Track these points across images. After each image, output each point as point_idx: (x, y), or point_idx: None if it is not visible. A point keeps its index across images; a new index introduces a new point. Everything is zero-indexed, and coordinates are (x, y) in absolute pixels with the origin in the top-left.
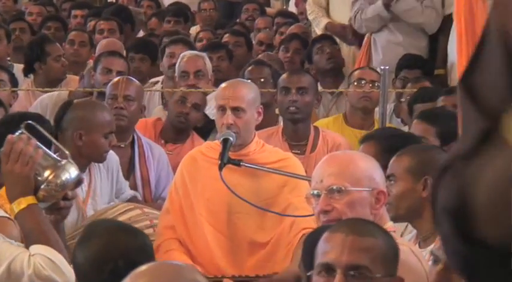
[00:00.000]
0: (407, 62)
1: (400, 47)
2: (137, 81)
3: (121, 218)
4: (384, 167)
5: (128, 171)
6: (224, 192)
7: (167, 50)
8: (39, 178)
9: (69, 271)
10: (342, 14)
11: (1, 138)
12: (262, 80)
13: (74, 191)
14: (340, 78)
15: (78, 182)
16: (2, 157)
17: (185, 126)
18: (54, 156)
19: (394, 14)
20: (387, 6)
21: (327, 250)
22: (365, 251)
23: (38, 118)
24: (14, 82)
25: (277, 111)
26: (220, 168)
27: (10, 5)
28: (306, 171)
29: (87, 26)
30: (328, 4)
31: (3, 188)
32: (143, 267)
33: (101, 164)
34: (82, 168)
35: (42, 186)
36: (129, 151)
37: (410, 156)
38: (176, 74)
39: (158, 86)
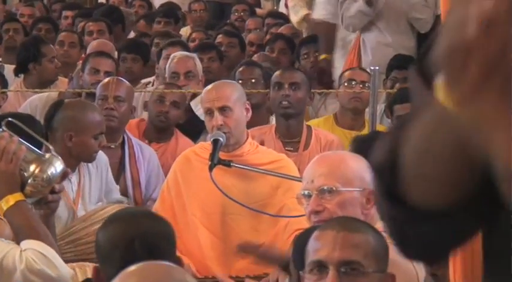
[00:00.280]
0: (397, 63)
1: (389, 47)
2: (127, 82)
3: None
4: None
5: (118, 172)
6: (218, 193)
7: (164, 53)
8: (25, 174)
9: (61, 264)
10: (324, 11)
11: None
12: (253, 80)
13: (61, 184)
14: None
15: (64, 174)
16: None
17: (166, 124)
18: (38, 151)
19: (379, 10)
20: (369, 3)
21: (318, 248)
22: (357, 246)
23: (29, 119)
24: (4, 83)
25: (268, 111)
26: (211, 169)
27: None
28: (298, 169)
29: (77, 27)
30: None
31: None
32: (132, 267)
33: (90, 164)
34: (72, 168)
35: (29, 182)
36: (119, 152)
37: None
38: (166, 75)
39: (150, 87)
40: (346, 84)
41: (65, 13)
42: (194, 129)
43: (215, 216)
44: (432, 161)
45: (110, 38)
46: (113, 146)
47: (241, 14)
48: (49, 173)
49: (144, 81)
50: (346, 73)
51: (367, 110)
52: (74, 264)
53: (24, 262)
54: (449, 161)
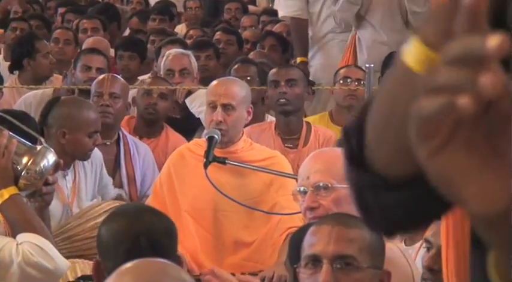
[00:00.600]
0: (392, 60)
1: (384, 46)
2: (122, 79)
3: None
4: None
5: (114, 169)
6: (210, 189)
7: (164, 51)
8: (17, 167)
9: (58, 256)
10: (293, 7)
11: None
12: (248, 78)
13: (55, 175)
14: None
15: (56, 166)
16: None
17: (155, 117)
18: (29, 143)
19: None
20: None
21: (313, 242)
22: (351, 241)
23: (23, 116)
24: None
25: (263, 108)
26: (205, 166)
27: None
28: (298, 166)
29: (72, 24)
30: None
31: None
32: (128, 264)
33: (84, 163)
34: (66, 165)
35: (22, 175)
36: (114, 149)
37: None
38: (162, 72)
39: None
40: (341, 82)
41: (60, 10)
42: (189, 126)
43: (207, 212)
44: (394, 124)
45: (105, 35)
46: (108, 143)
47: (234, 12)
48: (42, 165)
49: (141, 78)
50: (342, 71)
51: None
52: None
53: (20, 255)
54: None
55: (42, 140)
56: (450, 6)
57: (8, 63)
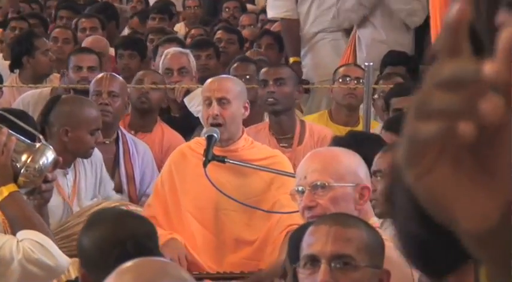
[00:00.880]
0: (391, 59)
1: (383, 44)
2: (121, 78)
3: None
4: None
5: (113, 168)
6: (211, 188)
7: (161, 50)
8: (17, 164)
9: (59, 253)
10: (282, 8)
11: None
12: (247, 76)
13: (54, 173)
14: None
15: (55, 163)
16: None
17: (148, 106)
18: (28, 141)
19: (374, 5)
20: None
21: (311, 242)
22: (349, 240)
23: (22, 114)
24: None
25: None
26: (205, 165)
27: None
28: (293, 165)
29: (70, 23)
30: None
31: None
32: (128, 264)
33: (85, 161)
34: (68, 164)
35: (22, 172)
36: (113, 147)
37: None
38: (160, 71)
39: None
40: (340, 80)
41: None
42: (188, 125)
43: (208, 211)
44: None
45: (103, 34)
46: (107, 142)
47: (232, 11)
48: (41, 162)
49: None
50: (341, 69)
51: (361, 106)
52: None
53: (21, 252)
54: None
55: (41, 137)
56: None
57: (7, 62)
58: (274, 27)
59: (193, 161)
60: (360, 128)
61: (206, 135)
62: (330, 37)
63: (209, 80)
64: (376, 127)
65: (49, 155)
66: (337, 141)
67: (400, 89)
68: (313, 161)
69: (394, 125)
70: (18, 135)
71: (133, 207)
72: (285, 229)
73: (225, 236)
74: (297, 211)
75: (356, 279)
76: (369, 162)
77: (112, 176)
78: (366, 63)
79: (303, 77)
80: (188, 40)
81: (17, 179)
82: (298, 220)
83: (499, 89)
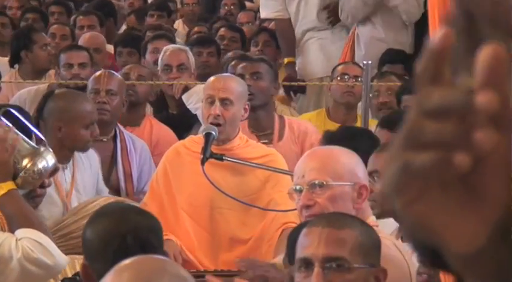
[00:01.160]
0: (389, 57)
1: (382, 43)
2: (119, 75)
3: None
4: None
5: (110, 165)
6: (207, 187)
7: (150, 46)
8: (17, 166)
9: (57, 252)
10: (273, 8)
11: None
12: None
13: (50, 179)
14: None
15: (54, 170)
16: None
17: (135, 99)
18: (32, 143)
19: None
20: None
21: (304, 245)
22: (341, 242)
23: (18, 110)
24: None
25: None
26: (203, 162)
27: None
28: None
29: (69, 20)
30: None
31: None
32: (127, 261)
33: (83, 159)
34: (65, 159)
35: (21, 173)
36: (111, 145)
37: None
38: (159, 68)
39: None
40: (339, 78)
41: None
42: (186, 122)
43: (204, 209)
44: None
45: (101, 31)
46: (104, 139)
47: (230, 8)
48: (41, 166)
49: None
50: (339, 67)
51: (359, 104)
52: None
53: (20, 251)
54: None
55: (45, 140)
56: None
57: (5, 58)
58: (272, 25)
59: (188, 159)
60: (358, 125)
61: (204, 133)
62: (318, 36)
63: (213, 78)
64: (374, 125)
65: (50, 160)
66: (329, 137)
67: (411, 86)
68: (311, 159)
69: (389, 122)
70: (23, 136)
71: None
72: (280, 227)
73: (220, 235)
74: (293, 209)
75: (350, 280)
76: (361, 157)
77: (109, 174)
78: (365, 62)
79: (298, 77)
80: (192, 37)
81: (16, 178)
82: (293, 218)
83: (491, 117)
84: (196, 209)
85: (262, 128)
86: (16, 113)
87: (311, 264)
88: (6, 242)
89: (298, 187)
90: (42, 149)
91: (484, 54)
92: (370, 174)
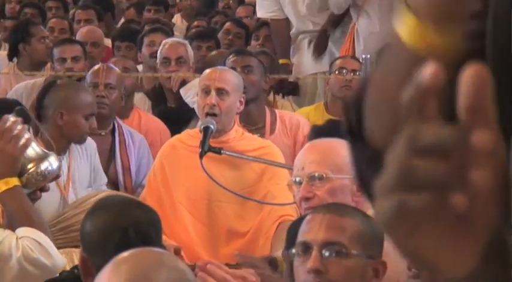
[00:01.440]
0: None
1: (379, 36)
2: (117, 69)
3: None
4: None
5: (109, 159)
6: (204, 180)
7: (146, 39)
8: (23, 166)
9: (56, 253)
10: (267, 8)
11: None
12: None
13: (49, 185)
14: None
15: (57, 175)
16: None
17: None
18: (41, 147)
19: None
20: None
21: (305, 230)
22: (341, 228)
23: (15, 104)
24: None
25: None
26: (201, 156)
27: None
28: None
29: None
30: None
31: None
32: (125, 254)
33: (79, 149)
34: (62, 150)
35: (28, 172)
36: (109, 139)
37: None
38: (158, 61)
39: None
40: (337, 72)
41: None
42: (184, 115)
43: (201, 203)
44: (388, 96)
45: (100, 26)
46: (103, 133)
47: (229, 1)
48: (47, 169)
49: (138, 67)
50: (337, 62)
51: None
52: (60, 250)
53: (20, 250)
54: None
55: (54, 146)
56: None
57: (4, 52)
58: None
59: (184, 153)
60: None
61: (203, 127)
62: (309, 37)
63: (209, 70)
64: None
65: (55, 165)
66: (316, 130)
67: None
68: (311, 152)
69: None
70: (35, 141)
71: None
72: (277, 220)
73: (219, 228)
74: (292, 203)
75: (348, 267)
76: None
77: (108, 167)
78: (363, 56)
79: (293, 75)
80: (191, 31)
81: (21, 177)
82: (289, 211)
83: (487, 156)
84: (194, 203)
85: (253, 121)
86: (29, 114)
87: (309, 249)
88: (7, 239)
89: (297, 179)
90: (49, 153)
91: (468, 74)
92: None
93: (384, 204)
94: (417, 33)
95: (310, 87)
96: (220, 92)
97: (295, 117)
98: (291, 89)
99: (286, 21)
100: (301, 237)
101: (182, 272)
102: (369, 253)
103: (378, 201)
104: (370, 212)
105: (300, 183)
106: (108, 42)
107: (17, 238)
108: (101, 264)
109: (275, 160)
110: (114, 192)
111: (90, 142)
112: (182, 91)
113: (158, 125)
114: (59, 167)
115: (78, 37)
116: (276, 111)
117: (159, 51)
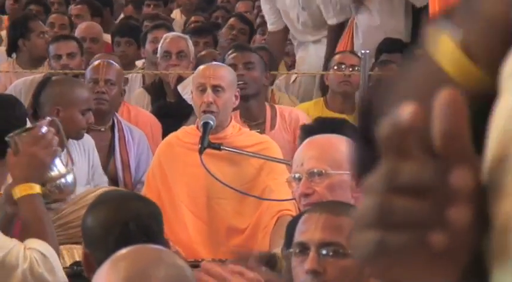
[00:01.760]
0: (386, 46)
1: (379, 31)
2: (117, 65)
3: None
4: None
5: (108, 155)
6: (203, 177)
7: (150, 36)
8: (48, 174)
9: (59, 269)
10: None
11: None
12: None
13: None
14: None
15: (71, 192)
16: (27, 138)
17: None
18: (63, 162)
19: None
20: None
21: (302, 230)
22: (339, 228)
23: (14, 101)
24: None
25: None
26: (201, 152)
27: None
28: None
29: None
30: None
31: None
32: (123, 251)
33: (77, 145)
34: (61, 146)
35: (49, 183)
36: (109, 135)
37: None
38: (158, 55)
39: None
40: (335, 67)
41: None
42: (184, 111)
43: (200, 200)
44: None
45: (94, 21)
46: (102, 129)
47: None
48: (65, 184)
49: (138, 63)
50: (336, 57)
51: (357, 93)
52: (61, 246)
53: (28, 262)
54: None
55: (73, 160)
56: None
57: (3, 48)
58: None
59: (181, 150)
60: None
61: (202, 122)
62: (313, 38)
63: (202, 67)
64: None
65: (72, 181)
66: (306, 129)
67: None
68: (311, 148)
69: None
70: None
71: None
72: (275, 215)
73: (218, 225)
74: (291, 199)
75: (345, 266)
76: None
77: (107, 164)
78: (362, 51)
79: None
80: (189, 27)
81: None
82: (288, 206)
83: (466, 195)
84: (193, 200)
85: (254, 117)
86: (59, 126)
87: (307, 249)
88: (15, 249)
89: (297, 175)
90: (69, 169)
91: (441, 97)
92: None
93: (361, 239)
94: (457, 62)
95: (309, 83)
96: (216, 89)
97: (294, 112)
98: None
99: (283, 32)
100: (298, 237)
101: (180, 269)
102: None
103: (355, 235)
104: None
105: (300, 179)
106: (107, 37)
107: (24, 248)
108: (103, 259)
109: (273, 155)
110: (114, 188)
111: (89, 139)
112: (179, 88)
113: (149, 118)
114: (75, 185)
115: (77, 33)
116: (276, 106)
117: (159, 45)
